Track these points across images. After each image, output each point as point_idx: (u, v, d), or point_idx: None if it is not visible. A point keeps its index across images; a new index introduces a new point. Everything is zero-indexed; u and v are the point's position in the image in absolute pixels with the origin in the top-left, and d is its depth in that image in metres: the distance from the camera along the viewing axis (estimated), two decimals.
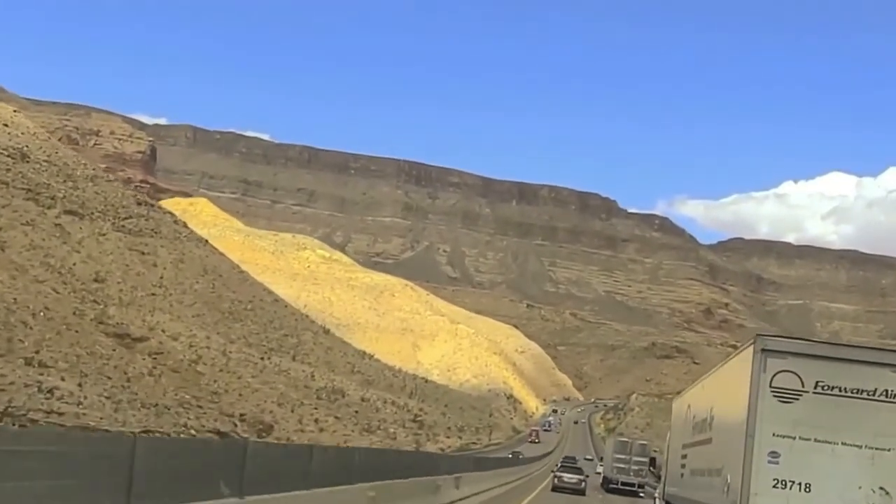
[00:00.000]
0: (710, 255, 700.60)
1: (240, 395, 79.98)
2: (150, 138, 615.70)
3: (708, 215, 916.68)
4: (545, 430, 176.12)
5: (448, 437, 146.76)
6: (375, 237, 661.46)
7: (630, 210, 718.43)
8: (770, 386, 14.45)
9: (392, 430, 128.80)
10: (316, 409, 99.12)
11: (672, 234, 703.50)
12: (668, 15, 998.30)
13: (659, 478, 33.06)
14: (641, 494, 64.56)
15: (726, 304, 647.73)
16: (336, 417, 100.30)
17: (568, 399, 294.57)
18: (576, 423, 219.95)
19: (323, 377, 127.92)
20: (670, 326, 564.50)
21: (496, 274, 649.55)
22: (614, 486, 68.00)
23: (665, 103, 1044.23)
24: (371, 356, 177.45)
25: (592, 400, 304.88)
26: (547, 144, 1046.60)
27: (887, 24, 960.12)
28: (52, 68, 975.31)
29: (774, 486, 14.21)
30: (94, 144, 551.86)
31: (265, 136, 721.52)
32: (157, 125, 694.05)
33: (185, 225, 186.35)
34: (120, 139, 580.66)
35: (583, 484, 59.89)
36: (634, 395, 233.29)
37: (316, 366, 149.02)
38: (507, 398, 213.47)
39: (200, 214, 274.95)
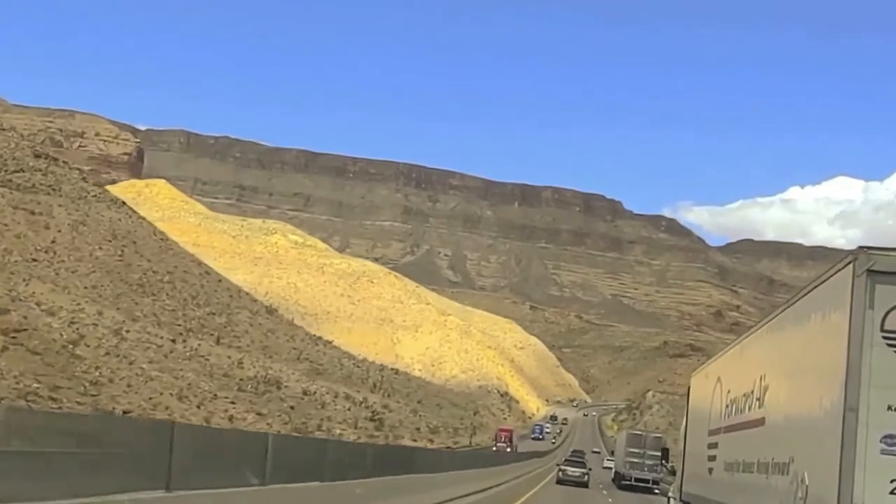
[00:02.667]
0: (718, 256, 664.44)
1: (129, 385, 65.37)
2: (138, 140, 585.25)
3: (713, 221, 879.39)
4: (534, 438, 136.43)
5: (415, 440, 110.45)
6: (374, 242, 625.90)
7: (636, 211, 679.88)
8: (882, 329, 8.86)
9: (338, 432, 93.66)
10: (234, 403, 77.82)
11: (679, 235, 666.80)
12: (672, 22, 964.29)
13: (673, 473, 24.70)
14: (656, 491, 58.34)
15: (737, 307, 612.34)
16: (259, 414, 78.19)
17: (574, 401, 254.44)
18: (585, 415, 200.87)
19: (254, 365, 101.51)
20: (679, 329, 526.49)
21: (499, 278, 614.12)
22: (627, 482, 62.71)
23: (668, 110, 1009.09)
24: (327, 342, 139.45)
25: (603, 399, 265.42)
26: (549, 146, 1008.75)
27: (892, 28, 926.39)
28: (42, 75, 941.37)
29: (894, 492, 8.65)
30: (79, 146, 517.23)
31: (261, 141, 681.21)
32: (149, 130, 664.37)
33: (97, 185, 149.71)
34: (105, 140, 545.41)
35: (586, 477, 58.79)
36: (651, 393, 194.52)
37: (248, 351, 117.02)
38: (501, 396, 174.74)
39: (156, 197, 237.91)
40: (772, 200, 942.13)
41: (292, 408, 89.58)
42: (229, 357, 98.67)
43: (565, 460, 64.94)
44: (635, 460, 62.41)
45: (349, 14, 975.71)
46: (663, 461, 38.99)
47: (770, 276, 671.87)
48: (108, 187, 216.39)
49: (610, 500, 50.60)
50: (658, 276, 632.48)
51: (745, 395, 13.64)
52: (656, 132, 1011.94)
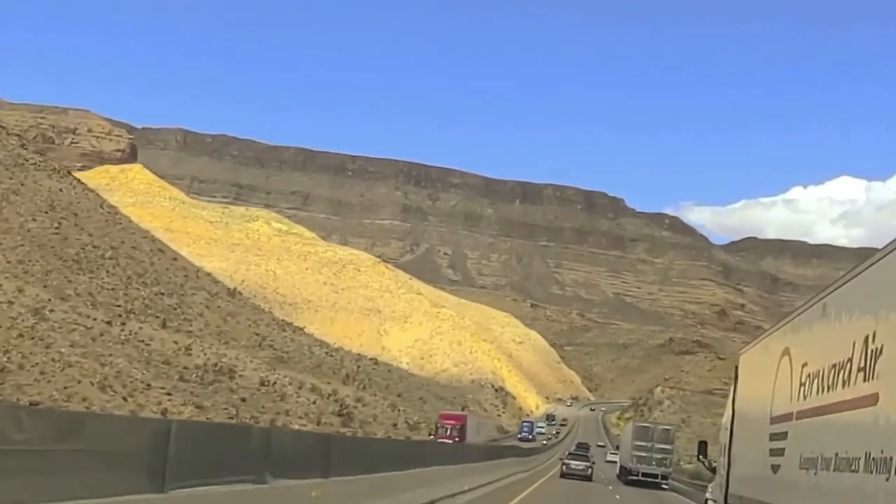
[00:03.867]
0: (722, 254, 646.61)
1: (42, 372, 55.72)
2: (131, 136, 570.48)
3: (715, 221, 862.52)
4: (522, 439, 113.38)
5: (390, 437, 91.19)
6: (373, 240, 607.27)
7: (638, 209, 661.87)
8: None
9: (297, 427, 76.73)
10: (170, 395, 65.66)
11: (683, 233, 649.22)
12: (669, 20, 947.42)
13: (713, 471, 19.88)
14: (665, 486, 56.70)
15: (742, 305, 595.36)
16: (199, 407, 66.25)
17: (574, 398, 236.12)
18: (592, 409, 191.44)
19: (205, 351, 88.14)
20: (682, 328, 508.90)
21: (500, 276, 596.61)
22: (634, 477, 57.04)
23: (668, 109, 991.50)
24: (298, 329, 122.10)
25: (606, 397, 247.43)
26: (550, 144, 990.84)
27: (893, 27, 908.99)
28: (36, 73, 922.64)
29: None
30: (71, 143, 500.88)
31: (258, 139, 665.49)
32: (146, 129, 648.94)
33: (41, 154, 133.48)
34: (98, 137, 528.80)
35: (589, 470, 57.62)
36: (659, 389, 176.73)
37: (199, 336, 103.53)
38: (496, 391, 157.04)
39: (132, 182, 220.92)
40: (774, 200, 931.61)
41: (244, 400, 76.83)
42: (175, 342, 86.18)
43: (568, 454, 63.53)
44: (643, 454, 58.21)
45: (348, 12, 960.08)
46: (700, 457, 27.21)
47: (774, 275, 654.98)
48: (80, 173, 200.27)
49: (617, 496, 44.88)
50: (661, 274, 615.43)
51: (834, 366, 9.87)
52: (657, 132, 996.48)
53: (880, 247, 8.13)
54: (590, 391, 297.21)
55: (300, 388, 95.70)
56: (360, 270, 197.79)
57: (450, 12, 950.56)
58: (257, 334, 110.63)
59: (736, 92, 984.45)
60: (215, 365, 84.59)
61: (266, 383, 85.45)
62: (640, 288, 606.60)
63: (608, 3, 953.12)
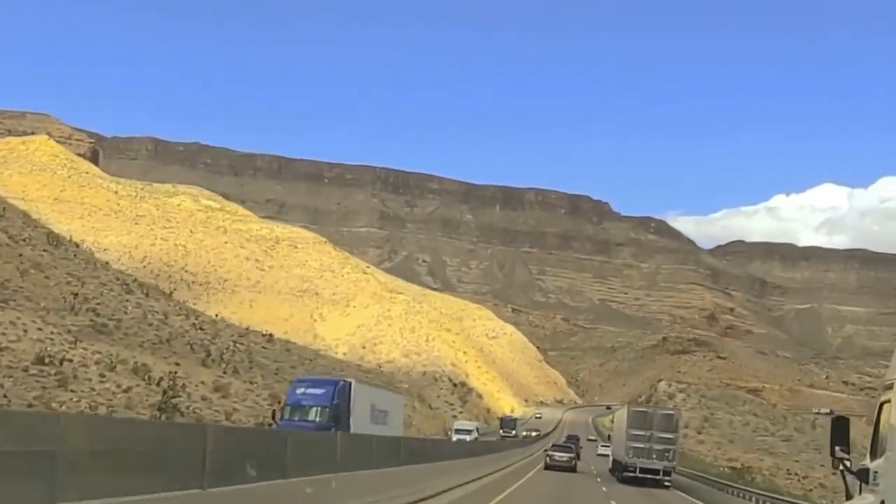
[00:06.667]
0: (709, 258, 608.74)
1: None
2: (92, 140, 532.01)
3: (699, 231, 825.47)
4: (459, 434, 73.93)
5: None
6: (350, 249, 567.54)
7: (623, 213, 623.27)
8: None
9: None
10: None
11: (669, 237, 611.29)
12: (651, 25, 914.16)
13: (858, 475, 11.79)
14: (668, 484, 46.50)
15: (731, 309, 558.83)
16: None
17: (562, 401, 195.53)
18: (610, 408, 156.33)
19: None
20: (674, 332, 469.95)
21: (480, 284, 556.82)
22: (630, 473, 46.69)
23: (651, 118, 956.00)
24: (161, 293, 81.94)
25: (595, 399, 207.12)
26: (532, 148, 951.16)
27: (876, 33, 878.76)
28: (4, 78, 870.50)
29: None
30: None
31: (232, 147, 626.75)
32: (115, 138, 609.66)
33: None
34: (58, 141, 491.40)
35: (573, 462, 54.04)
36: (663, 383, 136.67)
37: None
38: (455, 386, 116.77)
39: (33, 154, 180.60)
40: (756, 209, 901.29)
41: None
42: None
43: (553, 445, 58.93)
44: (640, 445, 46.29)
45: (322, 18, 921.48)
46: (844, 462, 11.85)
47: (763, 278, 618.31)
48: None
49: (613, 502, 33.95)
50: (648, 279, 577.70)
51: None
52: (638, 140, 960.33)
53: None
54: (578, 396, 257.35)
55: (112, 368, 57.15)
56: (296, 247, 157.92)
57: (427, 17, 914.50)
58: (75, 294, 70.94)
59: (716, 100, 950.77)
60: None
61: (53, 361, 53.32)
62: (626, 293, 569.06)
63: (592, 10, 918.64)
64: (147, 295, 79.02)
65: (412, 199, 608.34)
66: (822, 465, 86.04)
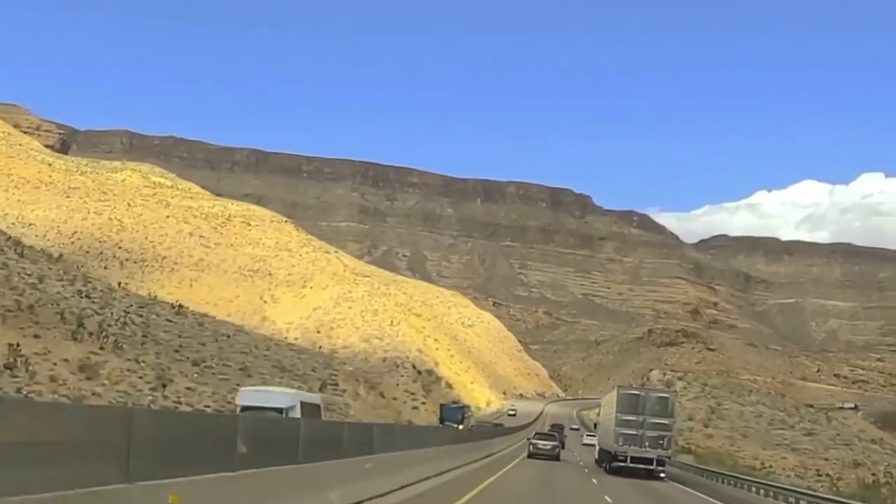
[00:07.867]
0: (693, 252, 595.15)
1: None
2: (62, 132, 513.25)
3: (680, 227, 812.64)
4: None
5: None
6: (330, 243, 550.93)
7: (606, 207, 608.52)
8: None
9: None
10: None
11: (653, 231, 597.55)
12: (633, 24, 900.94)
13: None
14: (662, 475, 41.17)
15: (715, 304, 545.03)
16: None
17: (543, 395, 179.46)
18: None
19: None
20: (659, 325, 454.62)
21: (461, 278, 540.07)
22: (620, 462, 41.25)
23: (633, 115, 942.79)
24: (25, 248, 65.29)
25: (580, 393, 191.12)
26: (512, 142, 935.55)
27: (857, 31, 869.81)
28: None
29: None
30: None
31: (208, 140, 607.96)
32: (89, 132, 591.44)
33: None
34: (26, 132, 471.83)
35: (556, 450, 52.03)
36: (656, 372, 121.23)
37: None
38: (420, 374, 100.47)
39: None
40: (738, 205, 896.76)
41: None
42: None
43: (536, 434, 57.79)
44: (631, 431, 40.60)
45: (301, 12, 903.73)
46: None
47: (746, 273, 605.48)
48: None
49: (608, 498, 28.05)
50: (631, 273, 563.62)
51: None
52: (620, 137, 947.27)
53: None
54: (561, 391, 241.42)
55: None
56: (249, 225, 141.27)
57: (406, 14, 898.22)
58: None
59: (697, 98, 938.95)
60: None
61: None
62: (609, 288, 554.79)
63: (573, 8, 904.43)
64: (22, 255, 62.25)
65: (392, 193, 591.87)
66: (860, 464, 70.89)
